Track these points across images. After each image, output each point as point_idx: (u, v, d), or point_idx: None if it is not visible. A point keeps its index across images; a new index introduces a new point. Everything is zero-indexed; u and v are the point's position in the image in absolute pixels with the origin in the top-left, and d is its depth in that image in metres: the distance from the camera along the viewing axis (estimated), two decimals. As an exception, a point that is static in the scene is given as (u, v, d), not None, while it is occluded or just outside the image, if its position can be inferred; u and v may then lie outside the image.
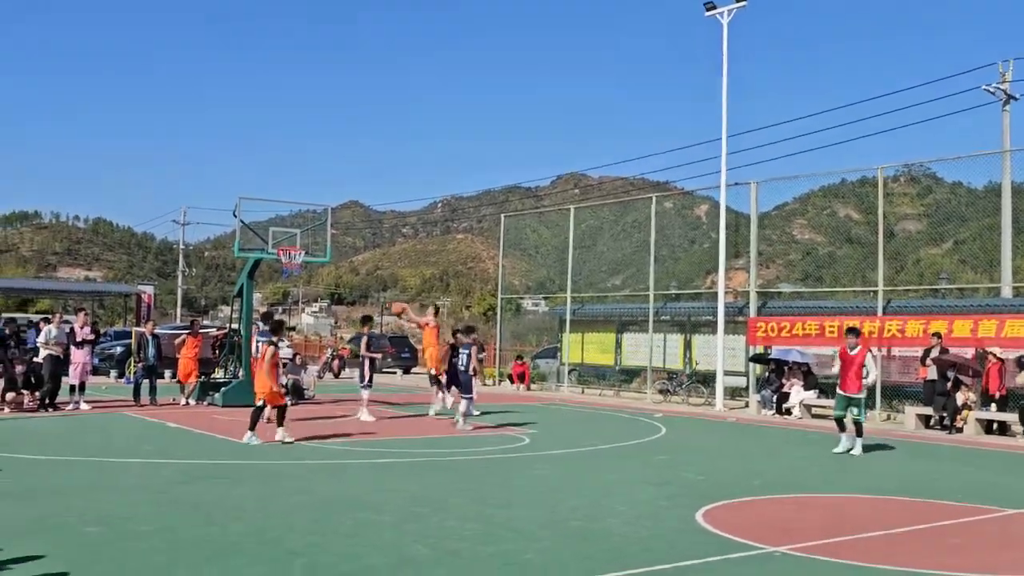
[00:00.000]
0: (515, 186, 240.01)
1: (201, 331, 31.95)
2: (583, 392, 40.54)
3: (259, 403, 20.40)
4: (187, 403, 28.71)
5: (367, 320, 27.34)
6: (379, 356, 30.57)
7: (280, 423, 20.37)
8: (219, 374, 31.76)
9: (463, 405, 24.03)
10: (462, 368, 23.94)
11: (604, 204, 71.97)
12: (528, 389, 42.49)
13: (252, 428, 20.05)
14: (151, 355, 28.88)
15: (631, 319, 40.83)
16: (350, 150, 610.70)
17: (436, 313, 27.45)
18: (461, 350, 24.28)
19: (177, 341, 30.37)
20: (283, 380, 26.12)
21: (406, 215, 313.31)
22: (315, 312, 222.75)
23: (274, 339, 20.88)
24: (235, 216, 27.95)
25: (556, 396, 38.72)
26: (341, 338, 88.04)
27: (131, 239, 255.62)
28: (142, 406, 27.75)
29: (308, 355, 57.12)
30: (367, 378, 25.64)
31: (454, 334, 26.76)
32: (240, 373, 28.86)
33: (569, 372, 42.05)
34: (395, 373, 53.65)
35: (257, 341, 26.42)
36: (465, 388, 24.09)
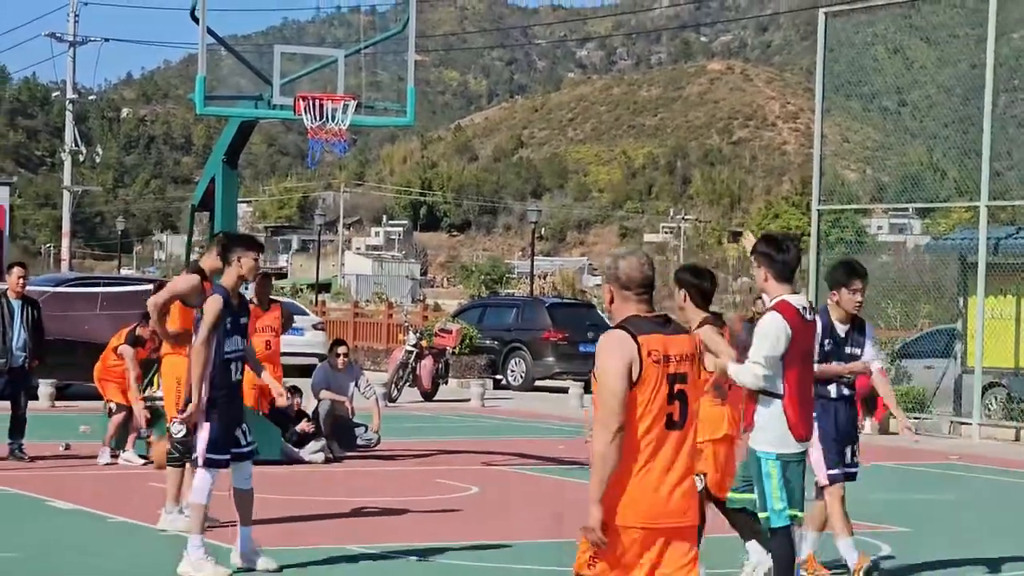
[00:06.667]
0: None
1: (120, 286, 17.48)
2: (1018, 438, 19.91)
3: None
4: (114, 456, 13.93)
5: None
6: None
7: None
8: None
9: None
10: None
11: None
12: (883, 430, 20.28)
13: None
14: (16, 344, 13.81)
15: None
16: None
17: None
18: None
19: None
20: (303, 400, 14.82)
21: (585, 17, 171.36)
22: (374, 247, 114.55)
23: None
24: (194, 18, 13.78)
25: (954, 445, 19.05)
26: (435, 308, 48.43)
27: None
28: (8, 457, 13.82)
29: (362, 348, 34.15)
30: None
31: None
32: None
33: (985, 390, 20.40)
34: (566, 391, 26.04)
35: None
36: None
